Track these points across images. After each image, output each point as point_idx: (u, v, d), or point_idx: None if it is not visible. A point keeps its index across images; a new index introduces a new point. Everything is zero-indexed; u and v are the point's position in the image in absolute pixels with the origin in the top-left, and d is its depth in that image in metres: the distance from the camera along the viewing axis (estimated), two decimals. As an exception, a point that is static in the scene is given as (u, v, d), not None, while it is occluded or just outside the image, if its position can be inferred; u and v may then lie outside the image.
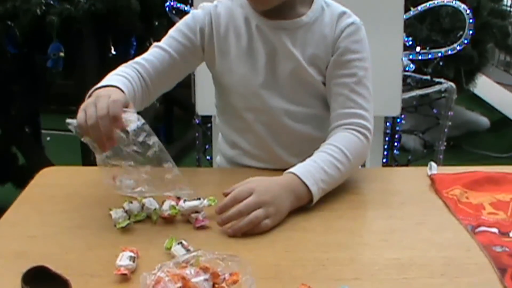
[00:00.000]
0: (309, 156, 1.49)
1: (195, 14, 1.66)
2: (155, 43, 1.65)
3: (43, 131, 3.83)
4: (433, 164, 1.55)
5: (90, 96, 1.41)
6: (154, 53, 1.62)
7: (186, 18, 1.67)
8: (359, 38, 1.61)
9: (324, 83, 1.62)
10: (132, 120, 1.32)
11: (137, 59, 1.61)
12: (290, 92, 1.61)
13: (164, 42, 1.64)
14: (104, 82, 1.46)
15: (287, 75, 1.60)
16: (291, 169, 1.44)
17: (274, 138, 1.65)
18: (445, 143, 3.07)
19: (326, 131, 1.61)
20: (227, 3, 1.68)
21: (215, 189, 1.45)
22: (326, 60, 1.60)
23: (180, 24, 1.66)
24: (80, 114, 1.34)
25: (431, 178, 1.51)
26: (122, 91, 1.42)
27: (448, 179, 1.49)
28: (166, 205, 1.36)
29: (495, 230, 1.29)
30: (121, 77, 1.50)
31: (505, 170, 1.54)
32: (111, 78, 1.50)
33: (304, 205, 1.42)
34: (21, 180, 3.34)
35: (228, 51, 1.63)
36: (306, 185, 1.41)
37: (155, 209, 1.36)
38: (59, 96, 3.89)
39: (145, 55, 1.63)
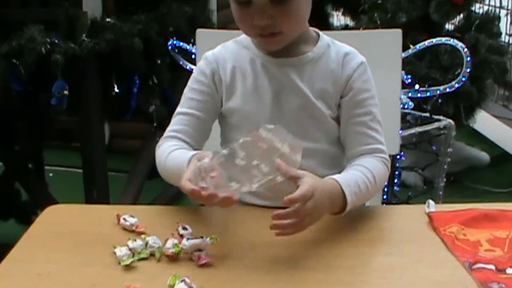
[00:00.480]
0: None
1: (201, 67, 1.73)
2: (177, 111, 1.72)
3: (46, 167, 3.85)
4: (431, 202, 1.58)
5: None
6: (180, 121, 1.70)
7: (195, 75, 1.74)
8: (368, 76, 1.68)
9: (332, 118, 1.67)
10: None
11: (169, 134, 1.69)
12: (297, 128, 1.63)
13: (184, 106, 1.71)
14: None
15: (295, 110, 1.64)
16: (333, 176, 1.50)
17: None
18: (444, 179, 3.09)
19: (330, 167, 1.66)
20: (231, 46, 1.74)
21: (217, 228, 1.48)
22: (335, 95, 1.65)
23: (191, 83, 1.73)
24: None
25: (429, 215, 1.53)
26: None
27: (446, 216, 1.51)
28: (169, 243, 1.38)
29: (492, 266, 1.32)
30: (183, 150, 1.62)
31: (502, 207, 1.56)
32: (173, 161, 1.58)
33: (334, 213, 1.48)
34: (24, 216, 3.37)
35: (234, 91, 1.69)
36: (344, 195, 1.47)
37: (158, 247, 1.39)
38: (62, 132, 3.93)
39: (173, 127, 1.70)
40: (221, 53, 1.73)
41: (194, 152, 1.54)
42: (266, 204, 1.65)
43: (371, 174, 1.57)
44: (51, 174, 4.05)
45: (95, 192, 3.17)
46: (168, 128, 1.71)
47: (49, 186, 3.65)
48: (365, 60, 1.68)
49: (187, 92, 1.73)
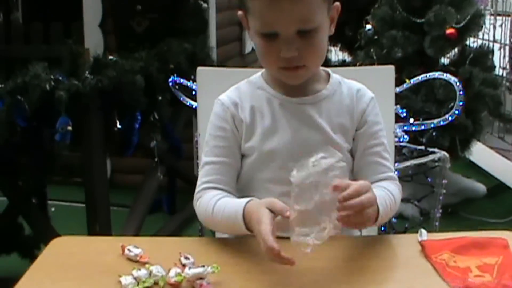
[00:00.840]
0: None
1: (219, 114, 1.74)
2: (204, 161, 1.73)
3: (48, 202, 3.89)
4: (423, 231, 1.63)
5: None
6: (211, 171, 1.71)
7: (215, 122, 1.74)
8: (378, 110, 1.77)
9: (348, 151, 1.73)
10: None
11: (204, 186, 1.70)
12: None
13: (210, 155, 1.72)
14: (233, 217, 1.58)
15: (315, 146, 1.63)
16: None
17: None
18: (440, 210, 3.13)
19: None
20: (244, 87, 1.77)
21: (217, 257, 1.53)
22: (352, 129, 1.73)
23: (213, 130, 1.74)
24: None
25: (421, 244, 1.58)
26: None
27: (437, 244, 1.57)
28: (172, 272, 1.43)
29: (480, 291, 1.37)
30: (228, 198, 1.65)
31: (491, 235, 1.62)
32: (224, 212, 1.62)
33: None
34: (27, 250, 3.40)
35: (254, 131, 1.71)
36: (378, 208, 1.54)
37: (162, 275, 1.44)
38: (64, 167, 3.97)
39: (205, 178, 1.71)
40: (236, 95, 1.75)
41: (245, 199, 1.57)
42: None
43: (392, 195, 1.66)
44: (53, 209, 4.09)
45: (98, 226, 3.21)
46: (200, 180, 1.72)
47: (52, 220, 3.69)
48: (374, 95, 1.77)
49: (210, 141, 1.74)
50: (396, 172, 1.96)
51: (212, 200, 1.65)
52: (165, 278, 1.43)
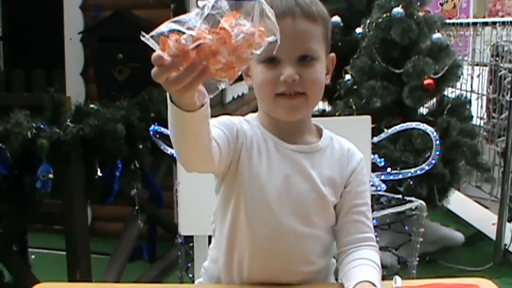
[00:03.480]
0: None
1: (228, 117, 1.67)
2: None
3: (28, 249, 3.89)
4: (397, 277, 1.65)
5: None
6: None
7: (223, 118, 1.65)
8: (365, 171, 1.79)
9: (334, 207, 1.73)
10: None
11: None
12: (301, 211, 1.68)
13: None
14: None
15: (302, 195, 1.67)
16: (367, 278, 1.60)
17: (275, 257, 1.68)
18: (417, 258, 3.17)
19: (322, 255, 1.74)
20: (243, 123, 1.70)
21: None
22: (341, 184, 1.72)
23: (221, 118, 1.64)
24: None
25: (396, 290, 1.62)
26: None
27: (412, 290, 1.61)
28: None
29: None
30: None
31: (463, 281, 1.65)
32: None
33: None
34: (7, 297, 3.40)
35: (250, 167, 1.66)
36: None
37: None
38: (45, 215, 3.98)
39: None
40: (242, 125, 1.69)
41: None
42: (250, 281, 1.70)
43: (378, 266, 1.68)
44: (33, 257, 4.08)
45: (78, 274, 3.22)
46: None
47: (32, 268, 3.68)
48: (362, 156, 1.79)
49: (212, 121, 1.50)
50: (374, 221, 1.99)
51: None
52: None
